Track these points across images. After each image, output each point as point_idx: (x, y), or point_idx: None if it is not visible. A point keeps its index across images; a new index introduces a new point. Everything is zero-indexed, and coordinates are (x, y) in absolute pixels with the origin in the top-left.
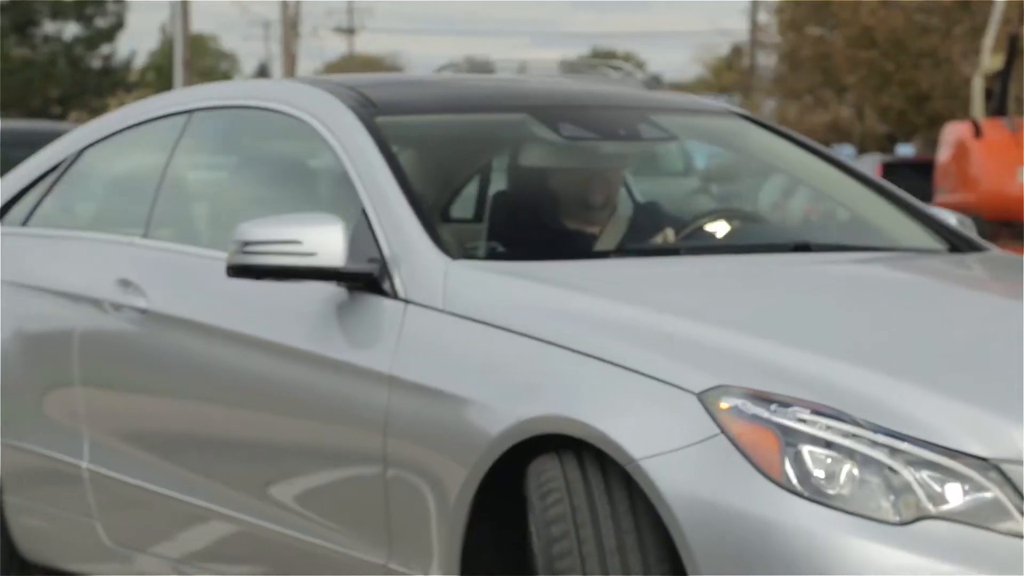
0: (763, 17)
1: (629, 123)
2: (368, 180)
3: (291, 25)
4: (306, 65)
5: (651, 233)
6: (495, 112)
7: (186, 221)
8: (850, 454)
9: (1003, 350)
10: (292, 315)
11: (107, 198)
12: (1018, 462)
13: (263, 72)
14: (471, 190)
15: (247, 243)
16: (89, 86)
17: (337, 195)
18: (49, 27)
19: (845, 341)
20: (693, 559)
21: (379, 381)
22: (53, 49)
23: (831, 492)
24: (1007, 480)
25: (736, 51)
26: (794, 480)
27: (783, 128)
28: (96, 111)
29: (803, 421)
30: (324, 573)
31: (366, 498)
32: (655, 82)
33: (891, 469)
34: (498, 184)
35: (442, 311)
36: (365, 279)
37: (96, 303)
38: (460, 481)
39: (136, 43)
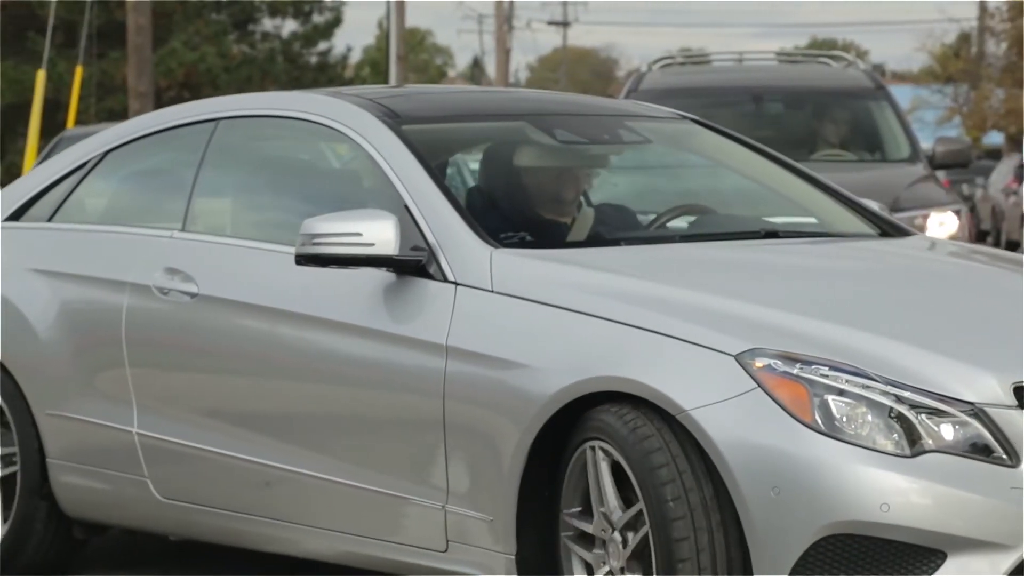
0: (992, 2)
1: (611, 128)
2: (408, 181)
3: (505, 19)
4: (519, 59)
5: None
6: (499, 120)
7: (224, 216)
8: (864, 402)
9: (980, 315)
10: (346, 297)
11: (139, 196)
12: (997, 405)
13: (477, 66)
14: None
15: (314, 235)
16: (306, 82)
17: (369, 193)
18: (268, 24)
19: (850, 311)
20: (738, 488)
21: (437, 351)
22: (272, 46)
23: (851, 432)
24: (989, 420)
25: (963, 38)
26: (821, 423)
27: (730, 131)
28: None
29: (825, 376)
30: (384, 516)
31: (427, 452)
32: (877, 72)
33: (897, 413)
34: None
35: (492, 291)
36: (414, 265)
37: (143, 289)
38: (516, 434)
39: (353, 39)
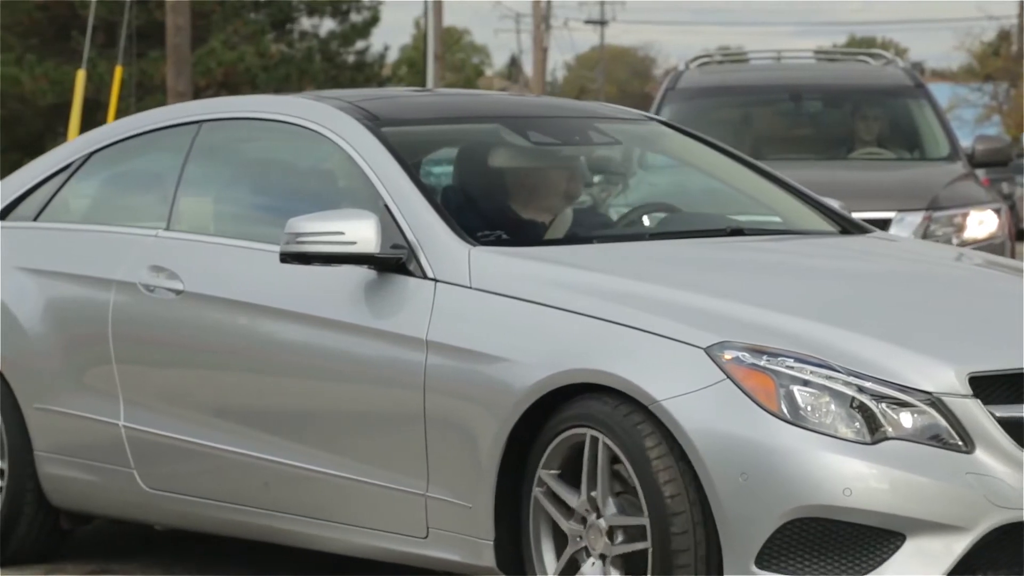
0: None
1: (582, 130)
2: (387, 181)
3: (542, 18)
4: (557, 58)
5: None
6: (474, 122)
7: (208, 216)
8: (828, 392)
9: (938, 308)
10: (329, 294)
11: (124, 196)
12: (953, 395)
13: (514, 65)
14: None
15: (298, 234)
16: (343, 81)
17: (350, 193)
18: (306, 23)
19: (814, 305)
20: (708, 474)
21: (417, 346)
22: (309, 45)
23: (815, 420)
24: (946, 409)
25: (1003, 36)
26: (787, 412)
27: (695, 132)
28: None
29: (791, 367)
30: (366, 504)
31: (407, 442)
32: (916, 70)
33: (859, 402)
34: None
35: (470, 288)
36: (395, 263)
37: (129, 286)
38: (495, 424)
39: (391, 38)
